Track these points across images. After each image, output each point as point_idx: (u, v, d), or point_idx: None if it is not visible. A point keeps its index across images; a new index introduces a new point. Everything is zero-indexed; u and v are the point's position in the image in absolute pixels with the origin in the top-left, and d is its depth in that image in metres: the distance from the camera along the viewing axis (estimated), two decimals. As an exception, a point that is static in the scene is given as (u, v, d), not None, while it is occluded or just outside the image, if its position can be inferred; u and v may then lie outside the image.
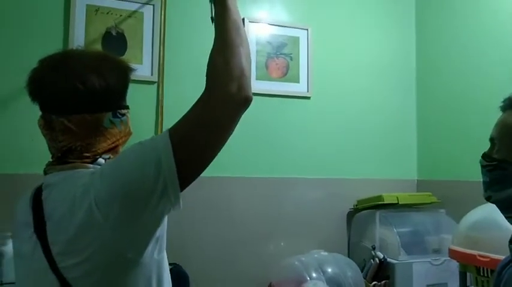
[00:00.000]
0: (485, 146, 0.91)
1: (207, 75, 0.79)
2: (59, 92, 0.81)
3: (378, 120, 2.42)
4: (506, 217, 0.86)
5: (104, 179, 0.75)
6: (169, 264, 1.76)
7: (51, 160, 0.86)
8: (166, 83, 2.00)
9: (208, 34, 2.07)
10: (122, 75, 0.87)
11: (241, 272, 2.04)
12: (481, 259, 1.52)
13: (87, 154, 0.83)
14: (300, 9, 2.33)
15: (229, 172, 2.07)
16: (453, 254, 1.67)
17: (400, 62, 2.53)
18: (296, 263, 1.94)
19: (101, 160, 0.84)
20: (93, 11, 1.91)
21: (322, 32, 2.35)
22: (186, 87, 1.98)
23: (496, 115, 0.90)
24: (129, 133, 0.89)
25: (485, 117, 1.05)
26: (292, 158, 2.22)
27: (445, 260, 1.91)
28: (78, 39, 1.87)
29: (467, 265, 1.63)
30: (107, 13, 1.93)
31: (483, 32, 2.11)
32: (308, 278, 1.85)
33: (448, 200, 2.18)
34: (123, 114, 0.87)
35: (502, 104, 0.89)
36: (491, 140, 0.89)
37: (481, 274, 1.55)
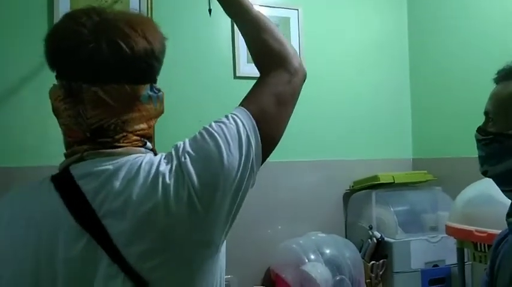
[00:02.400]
0: (479, 122, 0.89)
1: (265, 56, 0.81)
2: (97, 55, 0.65)
3: (372, 101, 2.40)
4: (503, 191, 0.85)
5: (197, 165, 0.66)
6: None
7: (69, 140, 0.70)
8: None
9: (194, 17, 2.05)
10: (163, 42, 0.75)
11: (239, 257, 2.03)
12: (478, 234, 1.52)
13: (125, 134, 0.69)
14: (289, -11, 2.29)
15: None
16: (450, 230, 1.67)
17: (392, 41, 2.50)
18: (294, 246, 1.94)
19: (148, 145, 0.73)
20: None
21: (313, 12, 2.31)
22: (177, 72, 1.95)
23: (489, 91, 0.88)
24: (162, 112, 0.76)
25: (478, 94, 1.04)
26: (287, 141, 2.18)
27: (442, 237, 1.92)
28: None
29: (465, 241, 1.63)
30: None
31: (475, 9, 2.08)
32: (306, 261, 1.85)
33: (444, 177, 2.18)
34: (159, 89, 0.75)
35: (495, 76, 0.87)
36: (486, 113, 0.87)
37: (478, 249, 1.55)
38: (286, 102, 0.79)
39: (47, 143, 1.78)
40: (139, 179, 0.65)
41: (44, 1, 1.84)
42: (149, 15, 1.95)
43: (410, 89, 2.51)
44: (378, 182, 2.06)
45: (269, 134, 0.74)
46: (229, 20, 2.18)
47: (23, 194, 0.70)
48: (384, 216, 2.02)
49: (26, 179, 1.71)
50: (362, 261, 1.96)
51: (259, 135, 0.72)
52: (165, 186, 0.64)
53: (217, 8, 2.20)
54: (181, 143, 0.71)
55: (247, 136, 0.71)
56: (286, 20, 2.24)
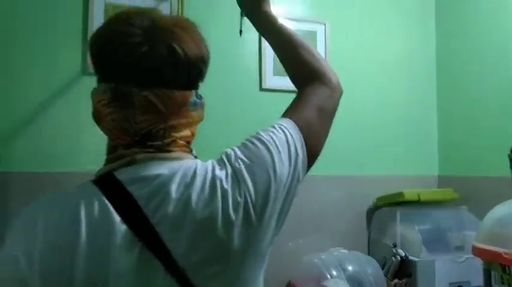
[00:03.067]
0: (509, 140, 0.88)
1: (304, 71, 0.85)
2: (151, 59, 0.64)
3: (397, 116, 2.38)
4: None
5: (251, 171, 0.65)
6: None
7: (114, 144, 0.67)
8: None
9: (221, 29, 2.08)
10: (207, 48, 0.74)
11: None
12: (507, 256, 1.48)
13: (174, 139, 0.67)
14: (316, 3, 2.30)
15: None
16: (477, 251, 1.63)
17: (420, 55, 2.48)
18: (315, 260, 1.92)
19: (194, 152, 0.72)
20: (110, 9, 1.92)
21: (340, 26, 2.31)
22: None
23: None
24: (202, 119, 0.75)
25: (509, 111, 1.02)
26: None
27: (468, 257, 1.87)
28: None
29: (492, 263, 1.59)
30: (125, 11, 1.94)
31: (506, 21, 2.05)
32: (328, 276, 1.83)
33: (470, 196, 2.13)
34: (201, 96, 0.73)
35: None
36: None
37: (507, 272, 1.51)
38: (328, 115, 0.82)
39: (76, 150, 1.83)
40: (197, 183, 0.63)
41: (79, 17, 1.91)
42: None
43: (437, 105, 2.47)
44: (403, 199, 2.03)
45: (313, 146, 0.76)
46: (255, 31, 2.22)
47: (60, 200, 0.64)
48: (408, 234, 1.99)
49: (55, 184, 1.77)
50: (385, 279, 1.92)
51: (305, 147, 0.73)
52: (224, 191, 0.63)
53: (244, 18, 2.22)
54: (231, 150, 0.70)
55: (295, 147, 0.72)
56: (313, 34, 2.25)
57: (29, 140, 1.80)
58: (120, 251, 0.59)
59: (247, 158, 0.67)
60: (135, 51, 0.63)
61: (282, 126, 0.74)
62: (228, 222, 0.62)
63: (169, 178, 0.63)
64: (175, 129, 0.68)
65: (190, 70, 0.68)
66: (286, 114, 0.78)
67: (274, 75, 2.16)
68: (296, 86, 0.87)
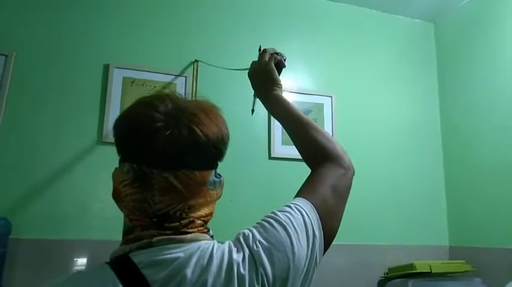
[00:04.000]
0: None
1: (318, 151, 0.87)
2: (173, 142, 0.64)
3: (405, 185, 2.40)
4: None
5: (270, 254, 0.64)
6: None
7: (133, 225, 0.66)
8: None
9: (234, 106, 2.18)
10: (227, 127, 0.76)
11: None
12: (525, 333, 1.43)
13: (192, 220, 0.67)
14: (323, 77, 2.42)
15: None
16: (494, 327, 1.57)
17: (425, 126, 2.55)
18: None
19: (211, 231, 0.70)
20: (128, 83, 2.04)
21: (346, 99, 2.41)
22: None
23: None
24: (220, 197, 0.75)
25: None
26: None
27: (485, 334, 1.79)
28: (113, 109, 1.98)
29: None
30: (142, 85, 2.06)
31: (506, 91, 2.13)
32: None
33: (483, 268, 2.08)
34: (220, 175, 0.74)
35: None
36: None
37: None
38: (342, 195, 0.81)
39: (86, 218, 1.85)
40: (213, 267, 0.61)
41: (98, 88, 2.02)
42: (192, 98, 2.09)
43: (445, 174, 2.50)
44: (414, 271, 1.99)
45: (329, 226, 0.74)
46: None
47: (75, 283, 0.62)
48: (421, 307, 1.93)
49: (62, 251, 1.76)
50: None
51: (322, 227, 0.72)
52: (241, 277, 0.61)
53: (257, 101, 2.31)
54: (249, 231, 0.68)
55: (312, 228, 0.71)
56: (320, 106, 2.34)
57: (40, 207, 1.83)
58: None
59: (265, 240, 0.66)
60: (159, 136, 0.64)
61: (298, 207, 0.72)
62: None
63: (186, 262, 0.61)
64: (193, 210, 0.67)
65: (211, 152, 0.69)
66: (301, 194, 0.78)
67: (282, 144, 2.22)
68: (309, 165, 0.88)
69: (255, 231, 0.68)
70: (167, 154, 0.64)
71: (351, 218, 2.30)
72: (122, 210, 0.69)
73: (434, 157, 2.52)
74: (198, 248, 0.63)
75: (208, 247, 0.64)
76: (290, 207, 0.73)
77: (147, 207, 0.65)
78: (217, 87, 2.20)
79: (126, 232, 0.67)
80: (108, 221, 1.74)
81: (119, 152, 0.69)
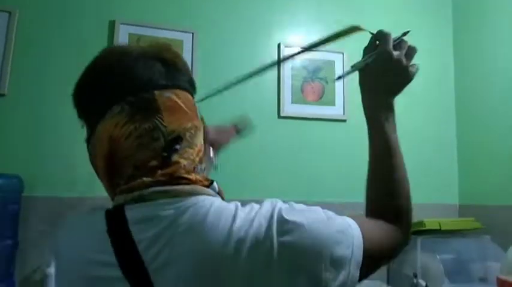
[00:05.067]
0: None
1: (389, 203, 0.75)
2: (160, 65, 0.64)
3: (416, 144, 2.37)
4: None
5: (295, 247, 0.55)
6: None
7: (132, 173, 0.61)
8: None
9: (242, 63, 2.13)
10: None
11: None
12: (533, 289, 1.44)
13: (192, 159, 0.63)
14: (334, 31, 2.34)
15: (262, 194, 2.05)
16: (502, 284, 1.58)
17: (438, 83, 2.48)
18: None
19: (214, 185, 0.64)
20: (134, 40, 2.00)
21: (357, 55, 2.34)
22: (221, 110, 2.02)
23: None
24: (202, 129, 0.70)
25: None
26: (328, 181, 2.20)
27: (492, 289, 1.81)
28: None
29: (518, 296, 1.54)
30: (149, 41, 2.01)
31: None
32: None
33: (493, 226, 2.08)
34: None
35: None
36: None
37: (533, 305, 1.46)
38: (389, 253, 0.71)
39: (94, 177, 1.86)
40: (205, 227, 0.55)
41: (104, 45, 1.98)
42: (194, 57, 2.05)
43: (457, 132, 2.46)
44: (424, 228, 1.99)
45: (367, 267, 0.62)
46: (275, 59, 2.25)
47: (79, 231, 0.63)
48: (429, 264, 1.94)
49: (72, 209, 1.79)
50: (405, 310, 1.87)
51: (361, 257, 0.60)
52: (239, 244, 0.54)
53: (263, 49, 2.27)
54: (278, 205, 0.59)
55: (351, 249, 0.59)
56: (331, 63, 2.28)
57: (52, 165, 1.85)
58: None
59: (295, 226, 0.57)
60: (143, 60, 0.63)
61: (349, 226, 0.63)
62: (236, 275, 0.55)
63: (176, 220, 0.56)
64: (195, 136, 0.64)
65: (189, 76, 0.68)
66: (356, 219, 0.66)
67: (292, 103, 2.19)
68: (369, 208, 0.77)
69: (283, 208, 0.58)
70: (161, 73, 0.63)
71: (360, 175, 2.31)
72: (122, 161, 0.62)
73: (446, 114, 2.47)
74: (193, 205, 0.57)
75: (206, 204, 0.58)
76: (339, 219, 0.63)
77: (157, 135, 0.61)
78: (224, 43, 2.15)
79: (124, 180, 0.62)
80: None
81: (94, 107, 0.64)
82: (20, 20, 1.89)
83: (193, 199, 0.58)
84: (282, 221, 0.56)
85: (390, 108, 0.81)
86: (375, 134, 0.79)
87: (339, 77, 0.93)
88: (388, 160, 0.77)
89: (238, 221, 0.55)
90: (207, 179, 0.63)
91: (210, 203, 0.58)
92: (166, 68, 0.64)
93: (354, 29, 0.85)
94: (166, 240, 0.55)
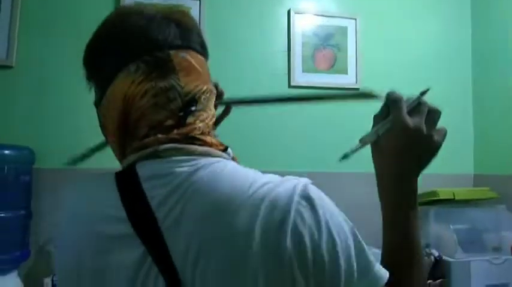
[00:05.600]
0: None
1: None
2: (174, 26, 0.62)
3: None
4: None
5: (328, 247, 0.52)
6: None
7: (144, 132, 0.59)
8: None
9: (247, 26, 2.07)
10: None
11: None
12: (548, 259, 1.41)
13: (207, 123, 0.62)
14: (347, -2, 2.27)
15: (271, 167, 2.03)
16: (516, 253, 1.56)
17: (454, 51, 2.40)
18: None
19: (229, 151, 0.63)
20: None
21: (371, 22, 2.27)
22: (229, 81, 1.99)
23: None
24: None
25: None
26: (341, 152, 2.17)
27: (506, 259, 1.80)
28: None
29: (532, 265, 1.52)
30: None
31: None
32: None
33: (508, 195, 2.04)
34: None
35: None
36: None
37: (548, 275, 1.44)
38: None
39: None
40: (221, 186, 0.53)
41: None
42: (201, 25, 2.00)
43: (473, 102, 2.39)
44: (437, 198, 1.97)
45: None
46: (284, 28, 2.20)
47: (88, 188, 0.62)
48: (442, 234, 1.93)
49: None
50: (417, 280, 1.87)
51: None
52: (256, 205, 0.52)
53: (272, 16, 2.20)
54: (304, 183, 0.56)
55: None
56: (343, 30, 2.21)
57: (63, 136, 1.85)
58: (121, 251, 0.53)
59: (334, 228, 0.55)
60: (158, 19, 0.61)
61: (369, 265, 0.57)
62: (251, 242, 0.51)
63: (189, 177, 0.54)
64: (210, 99, 0.64)
65: (200, 38, 0.65)
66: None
67: (303, 72, 2.14)
68: None
69: (314, 194, 0.55)
70: (175, 34, 0.61)
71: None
72: (131, 125, 0.61)
73: (463, 84, 2.40)
74: (210, 164, 0.56)
75: (221, 165, 0.56)
76: (361, 251, 0.57)
77: (173, 95, 0.59)
78: (233, 13, 2.10)
79: (136, 138, 0.60)
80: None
81: (108, 66, 0.62)
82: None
83: (208, 159, 0.57)
84: (305, 195, 0.54)
85: (412, 198, 0.66)
86: (394, 237, 0.65)
87: (345, 156, 0.72)
88: (408, 269, 0.62)
89: (255, 184, 0.53)
90: (222, 144, 0.62)
91: (225, 164, 0.57)
92: (180, 29, 0.62)
93: (363, 95, 0.75)
94: (179, 197, 0.53)
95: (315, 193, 0.55)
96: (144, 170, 0.56)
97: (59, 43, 1.89)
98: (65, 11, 1.91)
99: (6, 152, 1.64)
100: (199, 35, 0.66)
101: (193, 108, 0.60)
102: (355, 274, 0.53)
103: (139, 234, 0.52)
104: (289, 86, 2.13)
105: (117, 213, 0.54)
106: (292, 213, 0.51)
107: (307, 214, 0.52)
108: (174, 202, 0.53)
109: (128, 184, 0.56)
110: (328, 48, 2.19)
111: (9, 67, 1.83)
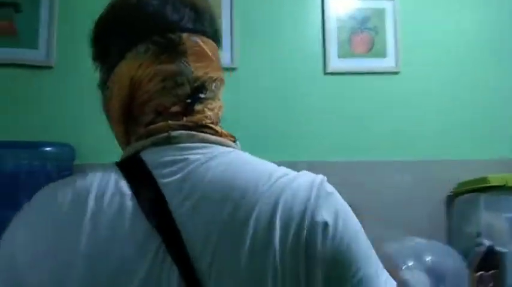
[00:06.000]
0: None
1: None
2: (188, 7, 0.61)
3: (477, 95, 2.17)
4: None
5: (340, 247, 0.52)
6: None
7: (150, 118, 0.58)
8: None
9: (282, 18, 2.02)
10: None
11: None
12: None
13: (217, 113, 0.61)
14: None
15: (308, 157, 1.99)
16: None
17: (499, 31, 2.23)
18: (389, 250, 1.82)
19: (238, 143, 0.62)
20: None
21: (411, 3, 2.16)
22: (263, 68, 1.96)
23: None
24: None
25: None
26: (382, 139, 2.09)
27: None
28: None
29: None
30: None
31: None
32: (403, 267, 1.73)
33: None
34: None
35: None
36: None
37: None
38: None
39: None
40: (236, 175, 0.52)
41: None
42: (232, 9, 1.97)
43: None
44: (488, 184, 1.85)
45: None
46: (318, 11, 2.12)
47: (68, 184, 0.54)
48: (494, 222, 1.82)
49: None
50: (468, 271, 1.77)
51: None
52: (272, 195, 0.51)
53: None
54: (321, 177, 0.56)
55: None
56: (381, 12, 2.12)
57: (102, 132, 1.88)
58: (131, 246, 0.48)
59: (346, 226, 0.55)
60: (168, 2, 0.60)
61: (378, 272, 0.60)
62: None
63: (204, 164, 0.53)
64: (220, 87, 0.62)
65: (215, 25, 0.63)
66: None
67: (339, 57, 2.06)
68: None
69: (333, 196, 0.55)
70: (189, 17, 0.60)
71: (415, 132, 2.17)
72: (135, 109, 0.59)
73: (509, 64, 2.22)
74: (223, 153, 0.55)
75: (235, 155, 0.56)
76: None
77: (181, 80, 0.57)
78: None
79: (142, 125, 0.58)
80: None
81: (117, 46, 0.60)
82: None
83: (223, 148, 0.56)
84: (324, 189, 0.55)
85: None
86: None
87: None
88: None
89: (275, 173, 0.53)
90: (232, 136, 0.61)
91: (238, 154, 0.57)
92: (194, 12, 0.61)
93: None
94: (195, 185, 0.51)
95: (332, 188, 0.57)
96: (154, 156, 0.54)
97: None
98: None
99: (48, 149, 1.68)
100: (215, 21, 0.64)
101: (202, 95, 0.58)
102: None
103: (153, 224, 0.49)
104: (325, 72, 2.06)
105: (127, 201, 0.50)
106: (312, 205, 0.51)
107: (325, 206, 0.52)
108: (189, 190, 0.51)
109: (136, 171, 0.53)
110: (366, 31, 2.10)
111: (50, 67, 1.87)
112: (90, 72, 2.01)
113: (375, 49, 2.10)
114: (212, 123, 0.59)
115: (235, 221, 0.49)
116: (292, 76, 2.03)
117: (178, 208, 0.50)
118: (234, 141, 0.61)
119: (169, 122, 0.56)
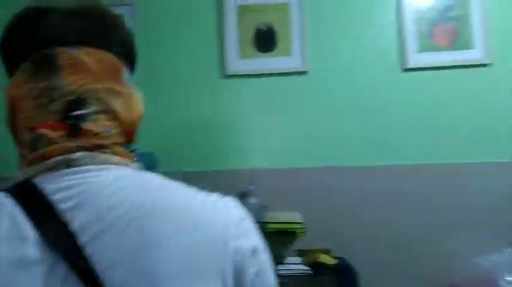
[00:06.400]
0: None
1: None
2: (75, 19, 0.57)
3: None
4: None
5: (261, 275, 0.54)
6: (334, 258, 1.64)
7: (36, 135, 0.53)
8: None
9: (357, 13, 1.92)
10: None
11: (414, 269, 1.82)
12: None
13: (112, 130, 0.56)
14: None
15: (397, 159, 1.86)
16: None
17: None
18: (484, 262, 1.63)
19: (140, 163, 0.60)
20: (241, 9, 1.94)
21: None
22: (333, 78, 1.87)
23: None
24: (140, 115, 0.61)
25: None
26: (468, 139, 1.89)
27: None
28: (230, 38, 1.93)
29: None
30: (256, 10, 1.95)
31: None
32: (501, 282, 1.54)
33: None
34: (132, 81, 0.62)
35: None
36: None
37: None
38: None
39: (232, 149, 1.89)
40: (142, 197, 0.51)
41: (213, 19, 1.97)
42: (306, 15, 1.91)
43: None
44: None
45: None
46: (393, 5, 1.98)
47: None
48: None
49: (209, 182, 1.84)
50: None
51: None
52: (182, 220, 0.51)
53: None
54: (252, 227, 0.56)
55: None
56: (465, 0, 1.93)
57: (183, 141, 1.94)
58: (36, 276, 0.45)
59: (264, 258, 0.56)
60: (53, 12, 0.56)
61: None
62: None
63: (108, 187, 0.51)
64: (113, 98, 0.56)
65: (118, 34, 0.59)
66: None
67: (419, 51, 1.91)
68: None
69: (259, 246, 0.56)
70: (75, 30, 0.56)
71: (508, 131, 1.93)
72: (18, 132, 0.56)
73: None
74: (129, 174, 0.53)
75: (138, 175, 0.54)
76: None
77: (56, 95, 0.53)
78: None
79: (30, 147, 0.54)
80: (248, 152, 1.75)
81: (13, 62, 0.58)
82: (137, 11, 1.99)
83: (124, 169, 0.54)
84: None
85: None
86: None
87: None
88: None
89: (191, 196, 0.54)
90: (132, 157, 0.58)
91: (141, 175, 0.54)
92: (84, 25, 0.57)
93: None
94: (97, 209, 0.49)
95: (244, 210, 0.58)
96: (49, 182, 0.50)
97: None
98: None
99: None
100: (122, 33, 0.60)
101: (84, 111, 0.54)
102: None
103: (59, 254, 0.46)
104: (403, 69, 1.92)
105: (22, 233, 0.46)
106: (227, 231, 0.52)
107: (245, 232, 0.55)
108: (94, 214, 0.48)
109: (33, 199, 0.49)
110: (448, 22, 1.92)
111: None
112: (161, 80, 2.04)
113: (459, 40, 1.91)
114: (106, 140, 0.55)
115: (146, 243, 0.48)
116: (367, 74, 1.92)
117: (83, 233, 0.47)
118: (134, 161, 0.58)
119: (68, 143, 0.52)
